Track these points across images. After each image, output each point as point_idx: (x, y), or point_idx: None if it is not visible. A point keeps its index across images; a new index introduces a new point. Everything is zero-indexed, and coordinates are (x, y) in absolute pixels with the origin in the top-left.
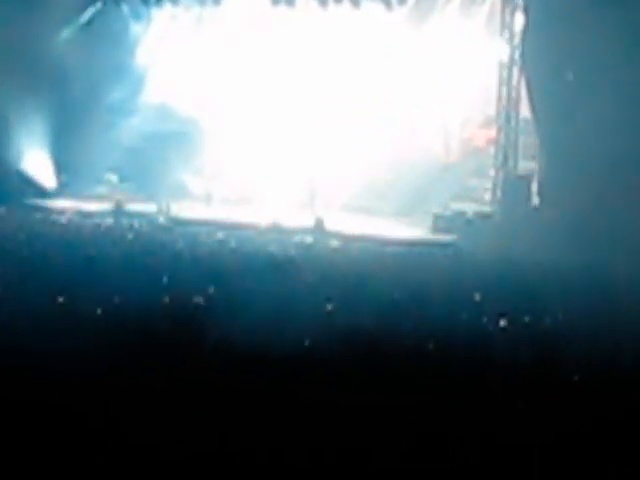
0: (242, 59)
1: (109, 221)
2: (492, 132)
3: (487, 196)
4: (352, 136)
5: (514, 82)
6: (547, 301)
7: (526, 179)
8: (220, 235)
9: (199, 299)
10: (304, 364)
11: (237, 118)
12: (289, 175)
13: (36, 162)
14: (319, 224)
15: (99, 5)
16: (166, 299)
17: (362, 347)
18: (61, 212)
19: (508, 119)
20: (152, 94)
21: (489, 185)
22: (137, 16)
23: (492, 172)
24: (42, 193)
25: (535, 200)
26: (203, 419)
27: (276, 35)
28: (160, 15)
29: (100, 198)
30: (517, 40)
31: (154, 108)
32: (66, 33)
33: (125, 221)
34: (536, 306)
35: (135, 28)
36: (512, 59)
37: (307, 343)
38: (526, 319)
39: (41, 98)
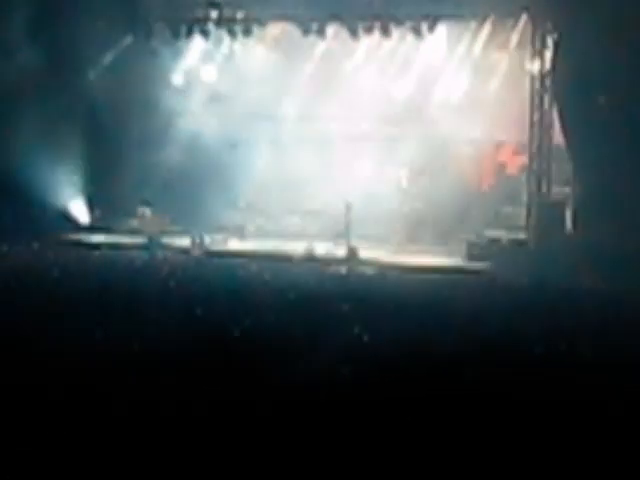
0: (274, 89)
1: (143, 255)
2: (525, 158)
3: (521, 223)
4: (385, 164)
5: (546, 108)
6: (580, 329)
7: (560, 206)
8: (254, 267)
9: (235, 332)
10: (339, 395)
11: (269, 149)
12: (324, 205)
13: (70, 197)
14: (353, 253)
15: (129, 40)
16: (201, 332)
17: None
18: (95, 246)
19: (541, 145)
20: (184, 127)
21: (523, 212)
22: (167, 49)
23: (525, 199)
24: (77, 228)
25: (569, 227)
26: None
27: (307, 60)
28: (191, 48)
29: (134, 232)
30: (548, 66)
31: (186, 140)
32: (97, 68)
33: (159, 254)
34: (570, 334)
35: (165, 62)
36: (544, 85)
37: (345, 372)
38: (562, 347)
39: (73, 134)
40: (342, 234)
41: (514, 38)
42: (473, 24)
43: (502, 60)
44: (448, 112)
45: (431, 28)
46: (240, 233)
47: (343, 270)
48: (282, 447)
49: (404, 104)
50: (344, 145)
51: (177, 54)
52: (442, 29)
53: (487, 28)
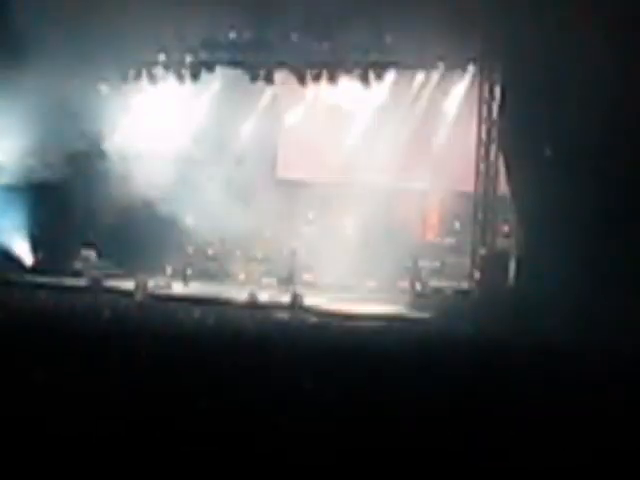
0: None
1: (86, 298)
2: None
3: (465, 273)
4: (331, 211)
5: (492, 158)
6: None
7: (504, 256)
8: (197, 313)
9: (178, 376)
10: (278, 444)
11: (212, 192)
12: (269, 251)
13: (14, 238)
14: (297, 300)
15: (76, 82)
16: (142, 378)
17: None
18: (38, 287)
19: (486, 195)
20: (128, 171)
21: (467, 262)
22: (115, 93)
23: (470, 249)
24: (20, 268)
25: (513, 276)
26: None
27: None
28: (139, 91)
29: (77, 274)
30: (495, 116)
31: (130, 183)
32: (44, 110)
33: (102, 298)
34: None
35: (112, 104)
36: (490, 135)
37: (286, 422)
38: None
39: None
40: (286, 280)
41: (462, 88)
42: (421, 73)
43: (449, 110)
44: (394, 161)
45: (379, 76)
46: (184, 277)
47: (286, 317)
48: None
49: (350, 152)
50: (289, 192)
51: (125, 98)
52: (390, 77)
53: (435, 77)
